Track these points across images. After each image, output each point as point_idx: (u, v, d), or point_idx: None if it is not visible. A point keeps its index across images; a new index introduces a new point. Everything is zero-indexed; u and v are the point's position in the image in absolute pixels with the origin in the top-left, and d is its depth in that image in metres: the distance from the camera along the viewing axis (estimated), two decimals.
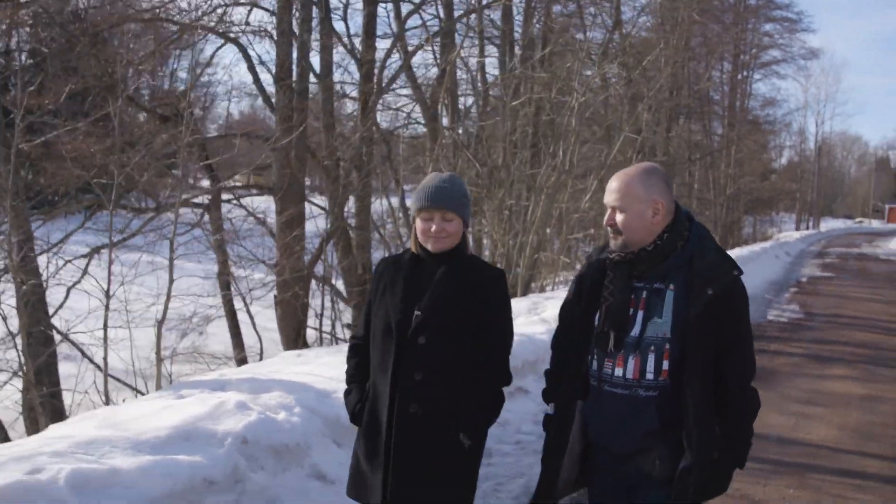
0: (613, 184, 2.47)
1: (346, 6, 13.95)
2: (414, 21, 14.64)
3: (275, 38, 12.32)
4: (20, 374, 7.31)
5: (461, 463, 2.61)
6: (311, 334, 12.60)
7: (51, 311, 8.59)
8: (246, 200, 13.64)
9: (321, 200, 14.27)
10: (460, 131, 13.03)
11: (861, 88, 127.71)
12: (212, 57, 14.74)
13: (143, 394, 8.55)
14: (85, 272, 9.64)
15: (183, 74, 16.99)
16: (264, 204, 13.59)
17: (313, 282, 12.40)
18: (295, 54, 12.10)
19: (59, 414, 8.03)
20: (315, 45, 12.42)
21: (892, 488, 4.98)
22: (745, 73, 34.06)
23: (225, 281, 11.27)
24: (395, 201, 14.07)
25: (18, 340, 7.68)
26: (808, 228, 53.33)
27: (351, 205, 12.99)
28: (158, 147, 10.57)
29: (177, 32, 12.72)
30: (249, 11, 13.36)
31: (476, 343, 2.60)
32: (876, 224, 71.06)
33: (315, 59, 12.63)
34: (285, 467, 3.90)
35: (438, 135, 12.64)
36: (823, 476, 5.12)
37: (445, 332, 2.58)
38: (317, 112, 12.76)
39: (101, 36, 11.79)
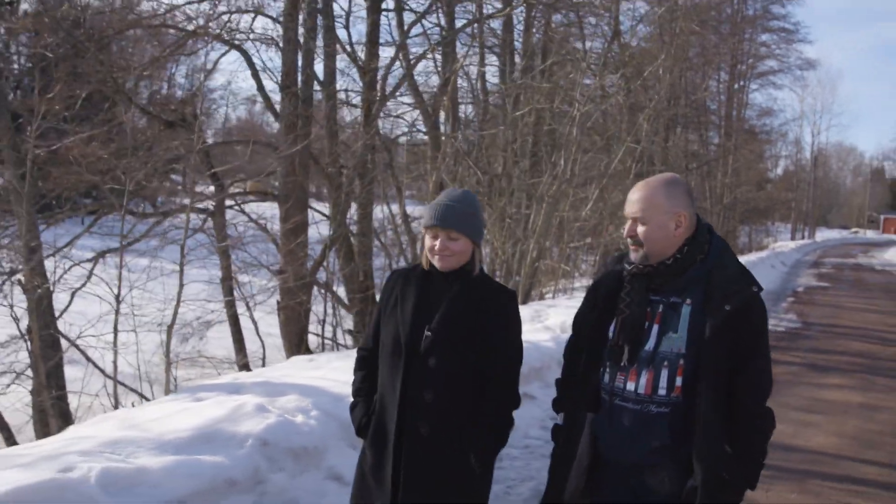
0: (635, 194, 2.42)
1: (348, 15, 14.03)
2: (415, 30, 14.73)
3: (280, 45, 12.40)
4: (30, 376, 7.35)
5: (473, 480, 2.59)
6: (312, 340, 12.65)
7: (56, 314, 8.65)
8: (249, 206, 13.69)
9: (321, 207, 14.34)
10: (460, 137, 13.10)
11: (857, 99, 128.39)
12: (216, 63, 14.71)
13: (147, 399, 8.61)
14: (90, 276, 9.70)
15: (181, 80, 17.05)
16: (267, 210, 13.64)
17: (315, 288, 12.44)
18: (300, 62, 12.17)
19: (65, 417, 8.09)
20: (319, 52, 12.50)
21: (890, 494, 5.11)
22: (741, 83, 34.25)
23: (228, 286, 11.32)
24: (395, 208, 14.16)
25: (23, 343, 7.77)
26: (803, 238, 53.53)
27: (353, 212, 13.03)
28: (163, 152, 10.64)
29: (180, 39, 12.77)
30: (254, 19, 13.44)
31: (485, 364, 2.58)
32: (871, 234, 71.29)
33: (318, 67, 12.73)
34: (303, 469, 3.97)
35: (440, 143, 12.74)
36: (824, 482, 5.24)
37: (455, 352, 2.55)
38: (320, 119, 12.82)
39: (107, 42, 11.86)
